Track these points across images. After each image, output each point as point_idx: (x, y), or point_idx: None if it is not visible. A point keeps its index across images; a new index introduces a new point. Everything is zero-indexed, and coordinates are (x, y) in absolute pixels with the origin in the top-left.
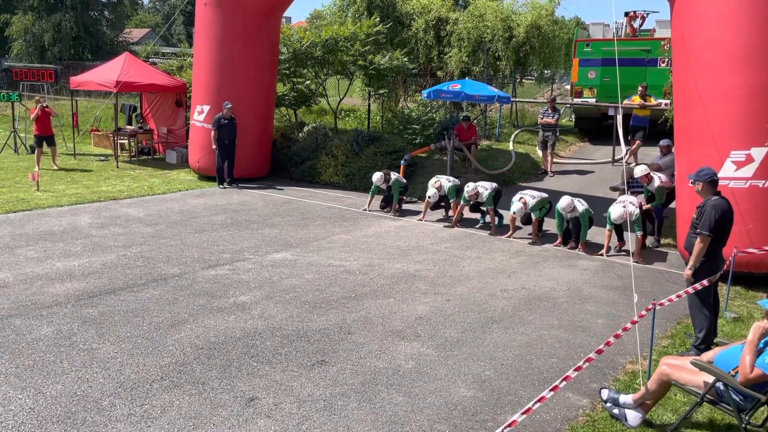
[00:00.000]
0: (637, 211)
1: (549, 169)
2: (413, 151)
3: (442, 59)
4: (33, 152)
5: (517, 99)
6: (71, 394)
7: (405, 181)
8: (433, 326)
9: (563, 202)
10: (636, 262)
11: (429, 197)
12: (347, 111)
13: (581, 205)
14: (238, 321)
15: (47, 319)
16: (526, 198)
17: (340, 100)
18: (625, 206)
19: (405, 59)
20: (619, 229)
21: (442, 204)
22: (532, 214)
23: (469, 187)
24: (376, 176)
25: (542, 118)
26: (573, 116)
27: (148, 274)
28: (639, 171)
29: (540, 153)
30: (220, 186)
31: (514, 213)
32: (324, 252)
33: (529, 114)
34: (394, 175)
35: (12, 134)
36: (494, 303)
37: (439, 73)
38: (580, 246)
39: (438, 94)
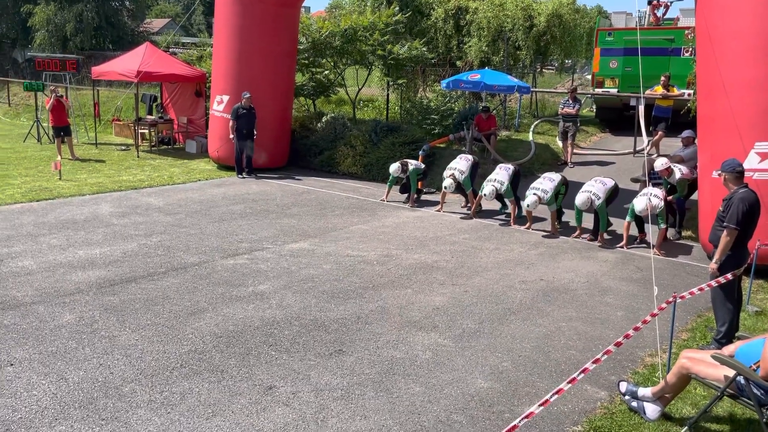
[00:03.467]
0: (662, 204)
1: (569, 160)
2: (432, 142)
3: (462, 49)
4: (54, 142)
5: (537, 89)
6: (93, 380)
7: (423, 165)
8: (450, 317)
9: (580, 200)
10: (656, 254)
11: (445, 188)
12: (366, 101)
13: (598, 200)
14: (256, 310)
15: (69, 307)
16: (539, 193)
17: (359, 90)
18: (649, 199)
19: (424, 49)
20: (639, 220)
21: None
22: (548, 207)
23: (486, 191)
24: (394, 167)
25: (563, 109)
26: (594, 106)
27: (168, 262)
28: (659, 165)
29: (560, 144)
30: (239, 176)
31: (528, 206)
32: (342, 242)
33: (550, 104)
34: (411, 165)
35: (35, 124)
36: (512, 294)
37: (458, 62)
38: (599, 238)
39: (457, 84)
